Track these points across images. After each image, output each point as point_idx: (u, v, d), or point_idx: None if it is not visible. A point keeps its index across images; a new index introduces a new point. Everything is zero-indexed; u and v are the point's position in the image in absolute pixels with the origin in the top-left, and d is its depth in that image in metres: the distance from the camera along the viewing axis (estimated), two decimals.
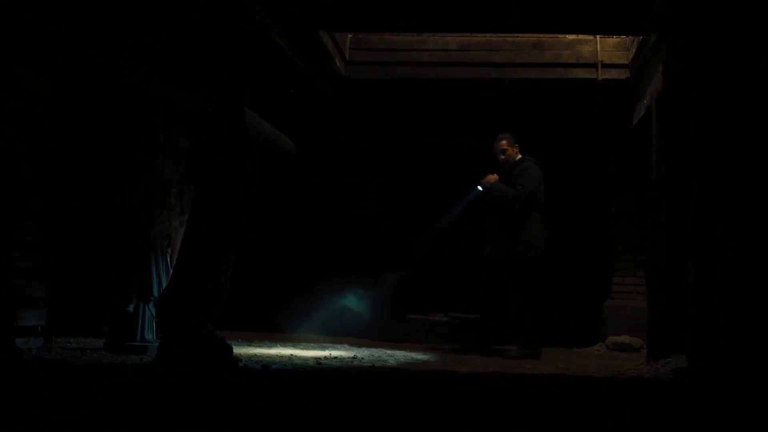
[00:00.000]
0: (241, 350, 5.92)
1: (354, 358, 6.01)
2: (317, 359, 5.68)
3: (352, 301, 8.48)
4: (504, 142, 6.97)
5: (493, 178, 6.87)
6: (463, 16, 6.40)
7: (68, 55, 5.29)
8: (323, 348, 6.76)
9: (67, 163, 5.72)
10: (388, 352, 6.70)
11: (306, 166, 9.00)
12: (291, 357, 5.79)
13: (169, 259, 5.75)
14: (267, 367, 4.88)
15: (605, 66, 7.67)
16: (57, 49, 5.18)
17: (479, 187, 6.92)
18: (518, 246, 6.64)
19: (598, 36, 7.68)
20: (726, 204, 4.74)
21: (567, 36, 7.72)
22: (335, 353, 6.26)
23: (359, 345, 7.32)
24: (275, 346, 6.71)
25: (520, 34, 7.71)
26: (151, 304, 5.61)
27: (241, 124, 5.18)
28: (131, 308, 5.58)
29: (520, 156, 6.94)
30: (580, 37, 7.71)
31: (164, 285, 5.50)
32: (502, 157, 6.95)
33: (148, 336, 5.61)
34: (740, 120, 4.75)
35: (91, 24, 5.27)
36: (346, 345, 7.22)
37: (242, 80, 5.41)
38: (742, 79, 4.80)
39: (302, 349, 6.56)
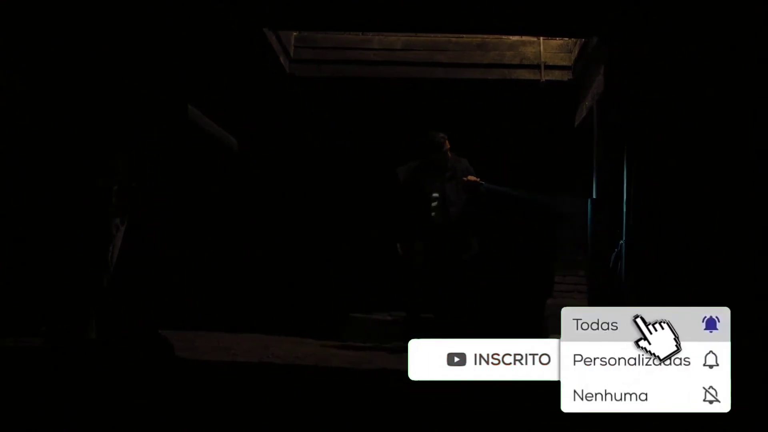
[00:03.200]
0: (183, 351, 5.86)
1: (296, 357, 5.99)
2: (260, 358, 5.65)
3: None
4: (446, 140, 6.80)
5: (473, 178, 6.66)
6: (406, 16, 6.40)
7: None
8: (266, 347, 6.72)
9: (12, 157, 5.60)
10: (332, 351, 6.69)
11: (251, 164, 8.94)
12: (235, 355, 5.75)
13: (109, 257, 5.66)
14: (209, 365, 4.84)
15: (548, 67, 7.75)
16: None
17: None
18: (457, 247, 6.56)
19: (541, 37, 7.75)
20: (666, 204, 4.83)
21: (510, 37, 7.78)
22: (278, 352, 6.24)
23: (303, 344, 7.29)
24: (219, 347, 6.64)
25: (464, 35, 7.74)
26: (91, 303, 5.52)
27: (183, 121, 5.13)
28: (71, 307, 5.49)
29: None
30: (524, 38, 7.78)
31: (105, 284, 5.42)
32: (450, 155, 6.79)
33: (89, 335, 5.51)
34: (679, 121, 4.84)
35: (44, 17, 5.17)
36: (290, 343, 7.19)
37: (185, 76, 5.35)
38: (681, 81, 4.89)
39: (247, 348, 6.51)
